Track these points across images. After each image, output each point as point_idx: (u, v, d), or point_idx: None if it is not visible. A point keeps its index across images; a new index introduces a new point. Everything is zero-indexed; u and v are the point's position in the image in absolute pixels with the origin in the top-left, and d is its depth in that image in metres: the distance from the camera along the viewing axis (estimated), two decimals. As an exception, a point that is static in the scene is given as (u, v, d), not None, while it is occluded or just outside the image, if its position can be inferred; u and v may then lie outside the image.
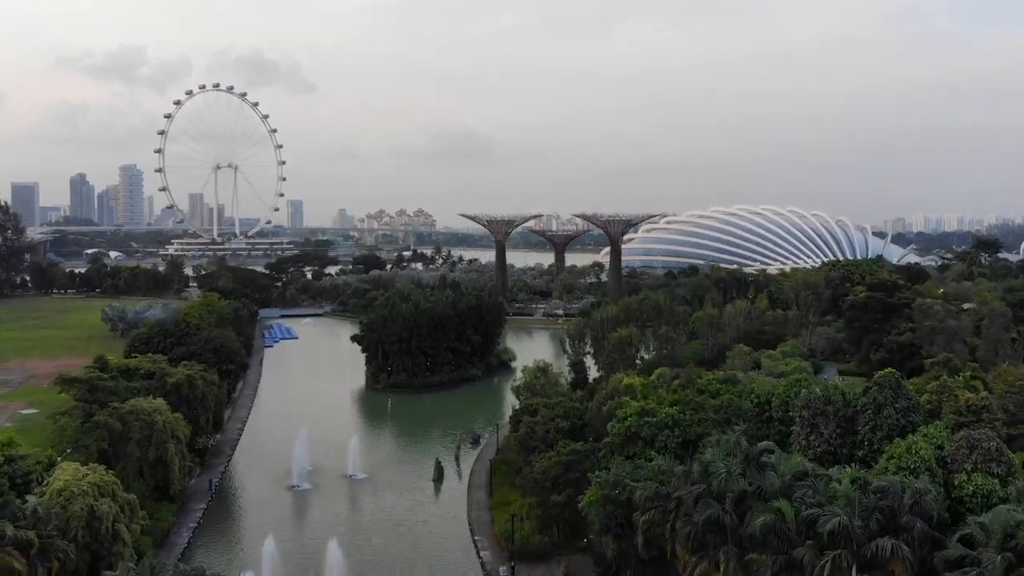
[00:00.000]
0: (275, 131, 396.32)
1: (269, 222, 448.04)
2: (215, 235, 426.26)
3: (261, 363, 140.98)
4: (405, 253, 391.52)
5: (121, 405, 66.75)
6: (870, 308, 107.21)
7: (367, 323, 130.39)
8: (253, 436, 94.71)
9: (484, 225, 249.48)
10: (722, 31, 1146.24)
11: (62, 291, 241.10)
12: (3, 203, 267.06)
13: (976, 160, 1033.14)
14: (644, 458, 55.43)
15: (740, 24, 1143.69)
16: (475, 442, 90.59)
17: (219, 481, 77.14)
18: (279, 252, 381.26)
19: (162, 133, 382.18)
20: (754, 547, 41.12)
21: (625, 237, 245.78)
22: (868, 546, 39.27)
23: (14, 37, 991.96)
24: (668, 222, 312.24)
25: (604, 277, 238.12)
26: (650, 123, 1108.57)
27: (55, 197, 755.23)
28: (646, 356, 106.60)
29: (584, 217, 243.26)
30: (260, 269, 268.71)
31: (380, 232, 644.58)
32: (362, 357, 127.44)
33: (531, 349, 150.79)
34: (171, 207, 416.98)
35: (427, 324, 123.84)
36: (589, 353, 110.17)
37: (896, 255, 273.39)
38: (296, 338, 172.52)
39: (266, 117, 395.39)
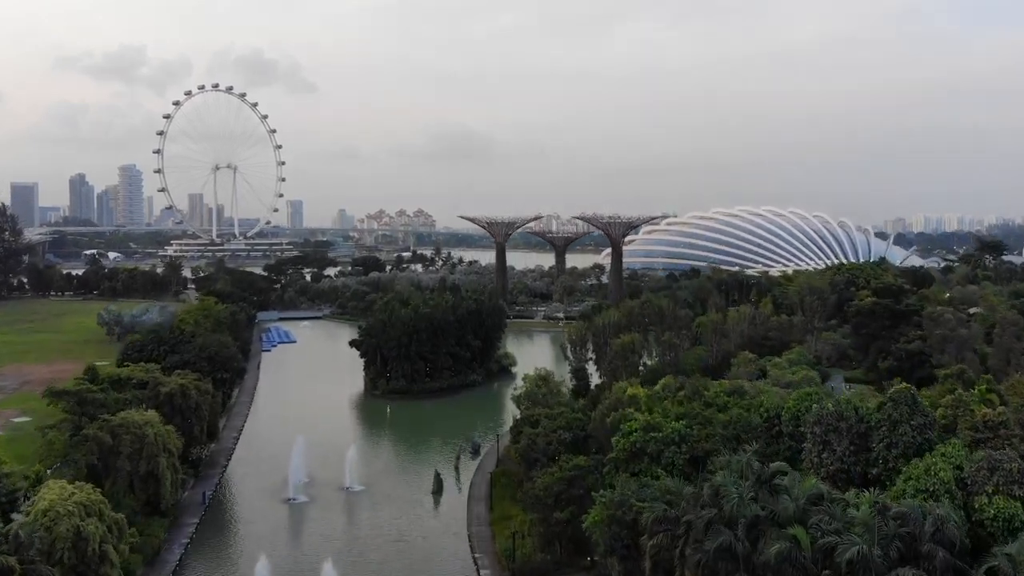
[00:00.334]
0: (274, 131, 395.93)
1: (268, 222, 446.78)
2: (214, 236, 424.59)
3: (259, 368, 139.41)
4: (405, 254, 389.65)
5: (111, 418, 64.96)
6: (877, 315, 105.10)
7: (366, 328, 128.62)
8: (249, 444, 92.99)
9: (484, 227, 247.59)
10: (722, 31, 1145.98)
11: (59, 293, 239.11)
12: (0, 204, 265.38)
13: (976, 160, 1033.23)
14: (650, 475, 53.48)
15: (740, 24, 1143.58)
16: (475, 452, 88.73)
17: (213, 494, 75.33)
18: (278, 253, 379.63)
19: (161, 134, 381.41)
20: None
21: (626, 239, 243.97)
22: (888, 576, 37.41)
23: (14, 37, 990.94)
24: (669, 223, 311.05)
25: (605, 279, 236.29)
26: (650, 123, 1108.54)
27: (55, 197, 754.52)
28: (649, 362, 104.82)
29: (585, 219, 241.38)
30: (259, 270, 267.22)
31: (380, 232, 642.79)
32: (361, 362, 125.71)
33: (532, 353, 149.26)
34: (170, 208, 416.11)
35: (426, 329, 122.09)
36: (591, 359, 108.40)
37: (899, 257, 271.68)
38: (294, 342, 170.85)
39: (265, 117, 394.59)
